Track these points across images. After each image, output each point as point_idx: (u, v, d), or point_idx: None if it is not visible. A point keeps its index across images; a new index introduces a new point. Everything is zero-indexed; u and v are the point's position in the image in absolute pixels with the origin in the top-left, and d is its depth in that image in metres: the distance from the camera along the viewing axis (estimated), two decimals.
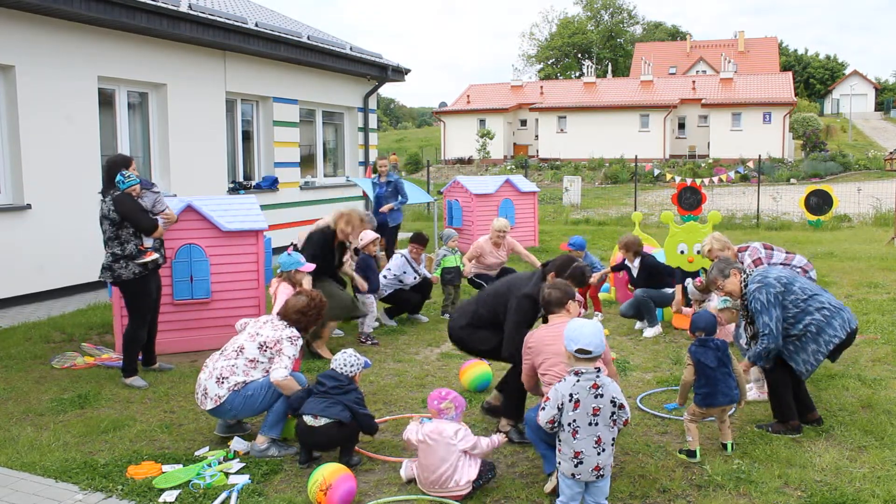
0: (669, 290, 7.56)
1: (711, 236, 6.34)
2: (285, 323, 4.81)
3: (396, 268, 8.07)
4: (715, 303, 6.54)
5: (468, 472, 4.00)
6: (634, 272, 7.70)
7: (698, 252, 8.63)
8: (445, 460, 3.97)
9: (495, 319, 4.89)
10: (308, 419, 4.33)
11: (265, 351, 4.66)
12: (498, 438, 4.24)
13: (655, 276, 7.54)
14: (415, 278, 8.12)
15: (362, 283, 7.38)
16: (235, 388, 4.57)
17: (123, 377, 5.95)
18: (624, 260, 7.89)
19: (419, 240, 8.23)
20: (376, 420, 4.75)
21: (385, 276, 8.00)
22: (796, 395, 4.89)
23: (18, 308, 8.82)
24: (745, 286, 4.89)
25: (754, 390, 5.54)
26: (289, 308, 4.88)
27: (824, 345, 4.70)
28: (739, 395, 4.50)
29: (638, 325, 7.69)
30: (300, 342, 4.79)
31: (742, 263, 5.69)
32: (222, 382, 4.59)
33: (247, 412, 4.66)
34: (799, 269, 5.74)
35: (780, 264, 5.76)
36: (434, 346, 7.16)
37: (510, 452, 4.58)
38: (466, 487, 3.96)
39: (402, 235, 12.48)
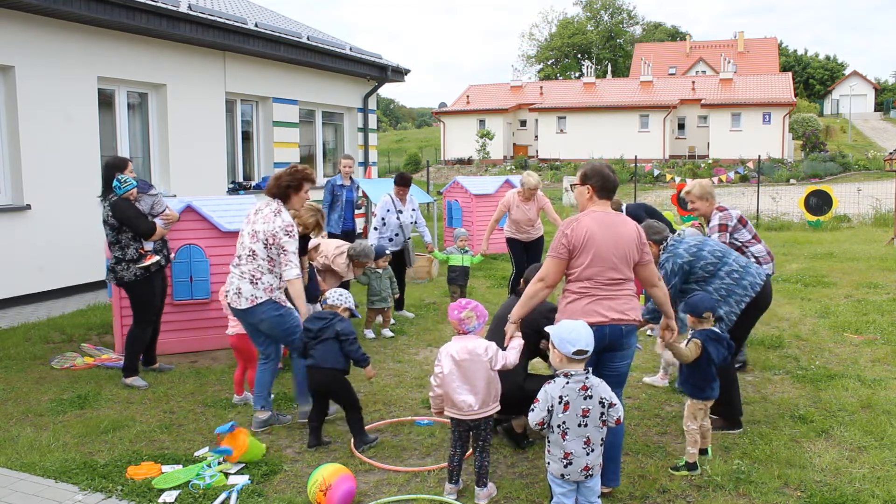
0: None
1: (699, 181, 6.11)
2: (272, 207, 4.84)
3: (382, 209, 8.27)
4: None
5: (498, 387, 4.05)
6: None
7: None
8: (482, 377, 3.94)
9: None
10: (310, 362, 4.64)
11: (271, 248, 4.75)
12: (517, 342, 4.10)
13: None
14: (396, 234, 8.25)
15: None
16: (269, 290, 4.74)
17: (124, 377, 5.95)
18: None
19: (403, 181, 8.39)
20: (375, 423, 4.75)
21: (375, 228, 8.21)
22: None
23: (18, 308, 8.82)
24: (662, 253, 5.02)
25: (657, 376, 5.88)
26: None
27: (735, 305, 4.91)
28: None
29: (650, 331, 7.30)
30: (295, 231, 4.82)
31: (709, 222, 5.85)
32: (257, 283, 4.74)
33: (271, 327, 4.80)
34: (753, 259, 5.67)
35: (742, 243, 5.78)
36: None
37: (510, 453, 4.58)
38: (497, 405, 4.04)
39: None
